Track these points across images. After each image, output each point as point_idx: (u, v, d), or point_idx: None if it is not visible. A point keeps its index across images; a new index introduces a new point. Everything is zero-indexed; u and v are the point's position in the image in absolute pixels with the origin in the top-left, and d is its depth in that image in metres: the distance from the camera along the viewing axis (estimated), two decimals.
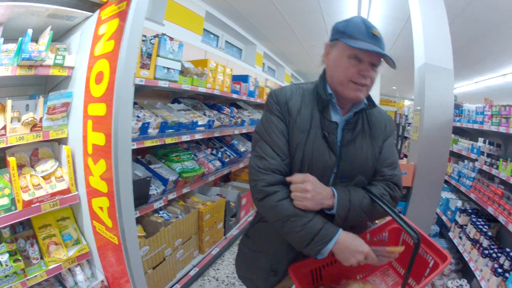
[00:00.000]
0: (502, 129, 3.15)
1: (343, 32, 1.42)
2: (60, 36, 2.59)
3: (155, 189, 2.91)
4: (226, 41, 6.58)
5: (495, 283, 2.72)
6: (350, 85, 1.44)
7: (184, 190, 3.38)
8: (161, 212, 3.40)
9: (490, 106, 3.50)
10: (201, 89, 3.41)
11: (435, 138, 3.86)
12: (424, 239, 1.57)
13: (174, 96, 4.03)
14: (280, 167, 1.46)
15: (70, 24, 2.48)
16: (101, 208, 2.28)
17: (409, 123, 7.71)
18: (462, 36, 5.01)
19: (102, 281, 2.50)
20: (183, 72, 3.26)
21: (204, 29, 5.25)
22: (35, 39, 2.20)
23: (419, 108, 3.99)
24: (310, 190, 1.35)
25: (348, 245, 1.38)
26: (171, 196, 3.13)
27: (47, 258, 2.23)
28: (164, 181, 3.00)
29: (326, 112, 1.52)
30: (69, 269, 2.40)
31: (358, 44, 1.37)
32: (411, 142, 4.38)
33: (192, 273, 3.49)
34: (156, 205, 2.91)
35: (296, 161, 1.48)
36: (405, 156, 6.84)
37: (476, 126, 3.88)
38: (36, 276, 2.14)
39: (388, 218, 1.83)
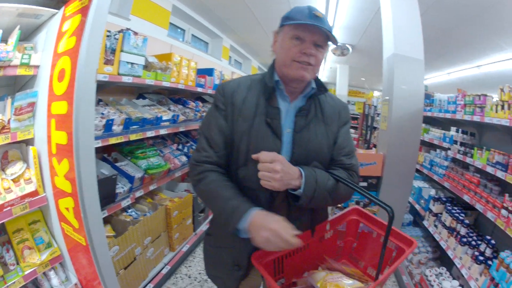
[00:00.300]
0: (476, 118, 3.16)
1: (287, 17, 1.45)
2: (29, 35, 2.50)
3: (122, 187, 2.86)
4: (193, 35, 6.46)
5: (477, 271, 2.71)
6: (294, 65, 1.45)
7: (151, 187, 3.33)
8: (129, 210, 3.33)
9: (463, 96, 3.51)
10: (165, 84, 3.35)
11: (405, 128, 3.87)
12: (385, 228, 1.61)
13: (140, 92, 3.92)
14: (212, 158, 1.51)
15: (38, 22, 2.40)
16: (67, 209, 2.22)
17: (378, 114, 7.76)
18: (435, 27, 5.05)
19: (76, 284, 2.43)
20: (147, 67, 3.19)
21: (171, 23, 5.14)
22: (5, 40, 2.15)
23: (387, 98, 3.98)
24: (279, 170, 1.33)
25: (258, 221, 1.34)
26: (138, 194, 3.08)
27: (22, 264, 2.17)
28: (130, 179, 2.96)
29: (272, 100, 1.53)
30: (44, 273, 2.33)
31: (297, 22, 1.40)
32: (380, 132, 4.39)
33: (164, 271, 3.47)
34: (124, 203, 2.85)
35: (242, 150, 1.49)
36: (375, 146, 6.94)
37: (448, 116, 3.89)
38: (14, 282, 2.08)
39: (349, 209, 1.87)
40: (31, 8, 2.18)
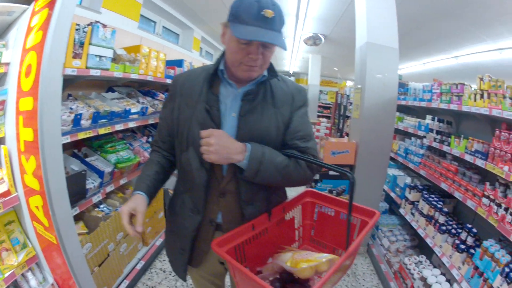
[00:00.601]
0: (453, 107, 3.14)
1: (234, 15, 1.36)
2: (2, 33, 2.41)
3: (92, 182, 2.77)
4: (163, 27, 6.28)
5: (459, 259, 2.70)
6: (241, 67, 1.44)
7: (122, 181, 3.24)
8: (101, 206, 3.24)
9: (439, 85, 3.49)
10: (134, 76, 3.23)
11: (378, 116, 3.85)
12: (345, 205, 1.61)
13: (109, 85, 3.79)
14: (158, 142, 1.72)
15: (10, 19, 2.32)
16: (37, 207, 2.18)
17: (351, 103, 7.80)
18: (412, 18, 5.00)
19: (52, 284, 2.36)
20: (115, 59, 3.09)
21: (141, 15, 4.95)
22: None
23: (359, 86, 3.95)
24: (213, 143, 1.35)
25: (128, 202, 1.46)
26: (109, 189, 3.00)
27: (1, 266, 2.10)
28: (100, 174, 2.87)
29: (215, 87, 1.56)
30: (23, 275, 2.26)
31: (241, 33, 1.32)
32: (352, 120, 4.37)
33: (138, 266, 3.43)
34: (95, 199, 2.77)
35: (184, 135, 1.54)
36: (348, 135, 6.96)
37: (423, 104, 3.88)
38: None
39: (302, 192, 1.85)
40: (4, 6, 2.12)
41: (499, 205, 2.40)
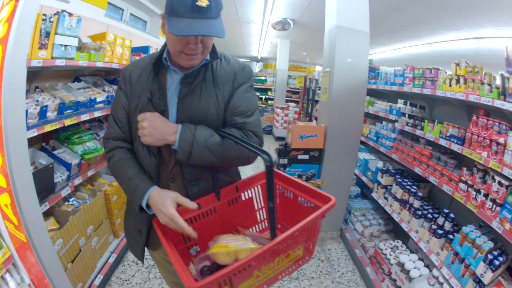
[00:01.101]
0: (426, 91, 3.08)
1: (170, 8, 1.34)
2: None
3: (60, 176, 2.72)
4: (131, 14, 5.98)
5: (437, 245, 2.66)
6: (182, 56, 1.44)
7: (90, 173, 3.15)
8: (71, 200, 3.11)
9: (411, 69, 3.43)
10: (99, 64, 3.11)
11: (347, 100, 3.79)
12: (303, 188, 1.57)
13: (76, 75, 3.64)
14: (117, 134, 1.59)
15: None
16: (6, 205, 2.12)
17: (320, 87, 7.72)
18: (385, 2, 4.87)
19: (29, 285, 2.26)
20: (80, 48, 2.97)
21: (109, 3, 4.69)
22: None
23: (328, 70, 3.86)
24: (146, 127, 1.39)
25: (156, 203, 1.40)
26: (77, 181, 2.93)
27: None
28: (68, 166, 2.80)
29: (161, 75, 1.56)
30: (2, 277, 2.16)
31: (176, 29, 1.30)
32: (320, 104, 4.29)
33: (111, 260, 3.34)
34: (64, 192, 2.70)
35: (133, 125, 1.53)
36: (316, 119, 6.90)
37: (395, 88, 3.82)
38: None
39: (261, 171, 1.73)
40: None
41: (478, 191, 2.36)
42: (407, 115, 3.66)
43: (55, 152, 2.86)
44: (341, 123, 3.88)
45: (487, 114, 2.49)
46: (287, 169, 4.21)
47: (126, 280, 3.26)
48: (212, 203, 1.60)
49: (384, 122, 4.44)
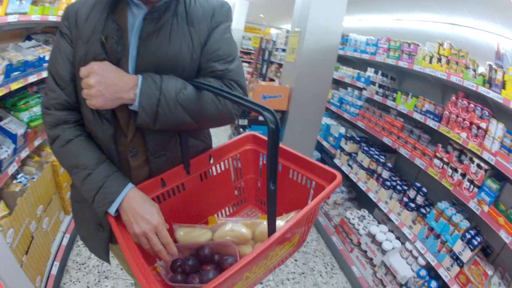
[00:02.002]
0: (402, 64, 3.14)
1: None
2: None
3: (6, 150, 2.42)
4: None
5: (410, 218, 2.81)
6: None
7: (36, 143, 2.89)
8: (19, 176, 2.83)
9: (387, 40, 3.46)
10: (52, 18, 2.83)
11: (317, 62, 3.77)
12: (299, 160, 1.37)
13: (28, 33, 3.34)
14: (60, 99, 1.22)
15: None
16: None
17: (277, 48, 7.68)
18: None
19: None
20: (36, 1, 2.70)
21: None
22: None
23: (298, 30, 3.80)
24: (93, 84, 1.05)
25: (135, 207, 1.11)
26: (24, 154, 2.66)
27: None
28: (13, 138, 2.54)
29: (119, 13, 1.19)
30: None
31: None
32: (285, 64, 4.24)
33: (64, 242, 3.09)
34: (11, 170, 2.43)
35: (79, 82, 1.16)
36: (271, 80, 6.90)
37: (365, 57, 3.86)
38: None
39: (241, 136, 1.54)
40: None
41: (455, 170, 2.49)
42: (377, 84, 3.73)
43: (1, 123, 2.56)
44: (308, 85, 3.84)
45: (467, 98, 2.59)
46: (247, 130, 4.16)
47: (83, 264, 3.09)
48: (179, 178, 1.35)
49: (349, 89, 4.51)
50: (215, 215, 1.51)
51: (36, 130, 2.86)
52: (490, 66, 2.29)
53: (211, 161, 1.46)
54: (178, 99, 1.13)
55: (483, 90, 2.28)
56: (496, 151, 2.16)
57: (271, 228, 1.01)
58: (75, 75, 1.20)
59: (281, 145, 1.37)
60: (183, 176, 1.36)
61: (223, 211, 1.56)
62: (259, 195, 1.59)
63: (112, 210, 1.12)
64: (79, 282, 2.85)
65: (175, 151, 1.33)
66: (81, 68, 1.08)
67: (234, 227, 1.21)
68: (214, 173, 1.48)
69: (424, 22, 3.64)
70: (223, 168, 1.49)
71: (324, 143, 4.68)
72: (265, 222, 1.15)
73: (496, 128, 2.19)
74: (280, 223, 1.16)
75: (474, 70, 2.44)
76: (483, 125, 2.29)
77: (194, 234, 1.24)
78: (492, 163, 2.17)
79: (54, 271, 2.74)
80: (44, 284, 2.56)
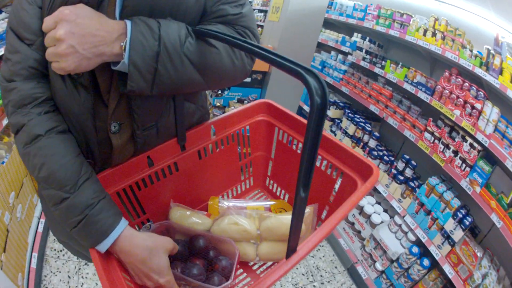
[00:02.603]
0: (393, 33, 3.09)
1: None
2: None
3: None
4: None
5: (399, 191, 2.88)
6: None
7: (4, 122, 2.65)
8: None
9: (377, 7, 3.37)
10: None
11: (302, 23, 3.70)
12: (331, 145, 1.13)
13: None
14: (27, 61, 0.92)
15: None
16: None
17: (253, 9, 7.46)
18: None
19: None
20: None
21: None
22: None
23: None
24: (63, 37, 0.75)
25: (134, 256, 0.91)
26: None
27: None
28: None
29: None
30: None
31: None
32: (267, 23, 4.13)
33: (40, 228, 2.95)
34: None
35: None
36: None
37: (352, 21, 3.77)
38: None
39: (253, 103, 1.32)
40: None
41: (446, 146, 2.53)
42: (364, 50, 3.68)
43: None
44: (292, 47, 3.76)
45: (459, 75, 2.59)
46: (225, 92, 4.06)
47: (61, 251, 3.00)
48: (171, 156, 1.13)
49: (333, 52, 4.43)
50: (218, 197, 1.33)
51: (3, 108, 2.63)
52: (488, 50, 2.29)
53: (213, 135, 1.24)
54: (185, 50, 0.88)
55: (479, 72, 2.29)
56: (490, 134, 2.20)
57: (292, 246, 0.79)
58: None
59: (300, 118, 1.21)
60: (176, 153, 1.14)
61: (225, 194, 1.40)
62: (270, 178, 1.41)
63: (100, 249, 0.91)
64: (59, 272, 2.81)
65: (167, 121, 1.10)
66: (44, 19, 0.79)
67: (237, 220, 1.09)
68: (216, 149, 1.26)
69: None
70: (227, 144, 1.28)
71: (305, 107, 4.65)
72: (272, 217, 1.08)
73: (491, 111, 2.22)
74: (286, 219, 1.05)
75: (471, 51, 2.42)
76: (477, 105, 2.31)
77: (191, 221, 1.13)
78: (486, 145, 2.21)
79: (34, 263, 2.66)
80: (26, 281, 2.50)
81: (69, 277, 2.77)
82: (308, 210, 1.10)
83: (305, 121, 1.15)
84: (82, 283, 2.74)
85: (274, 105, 1.31)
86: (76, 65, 0.78)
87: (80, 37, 0.76)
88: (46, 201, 0.94)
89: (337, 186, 1.15)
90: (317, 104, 0.58)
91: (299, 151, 1.18)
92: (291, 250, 0.79)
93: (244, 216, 1.13)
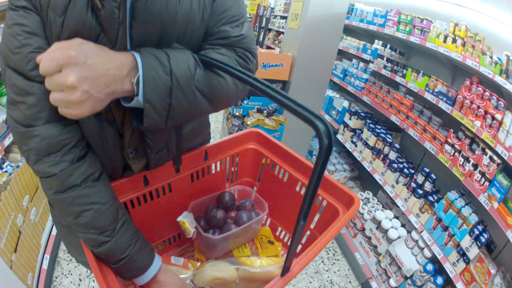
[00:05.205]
0: (414, 40, 3.13)
1: None
2: None
3: None
4: None
5: (417, 205, 2.90)
6: None
7: None
8: (4, 166, 2.80)
9: (397, 13, 3.43)
10: None
11: (323, 29, 3.74)
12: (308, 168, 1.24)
13: None
14: (45, 103, 0.85)
15: None
16: None
17: (275, 16, 7.64)
18: None
19: None
20: None
21: None
22: None
23: None
24: (75, 83, 0.72)
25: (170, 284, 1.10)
26: (8, 142, 2.60)
27: None
28: None
29: None
30: None
31: None
32: (287, 31, 4.20)
33: (54, 232, 3.08)
34: None
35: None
36: (269, 48, 6.85)
37: (372, 28, 3.82)
38: None
39: (243, 132, 1.40)
40: None
41: (466, 159, 2.55)
42: (385, 58, 3.73)
43: None
44: (312, 54, 3.81)
45: (480, 83, 2.62)
46: (245, 102, 4.16)
47: None
48: (166, 177, 1.20)
49: (354, 60, 4.49)
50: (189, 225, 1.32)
51: None
52: (508, 56, 2.30)
53: (207, 159, 1.31)
54: (196, 83, 0.91)
55: (500, 80, 2.31)
56: (510, 146, 2.22)
57: (287, 265, 0.90)
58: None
59: (287, 149, 1.30)
60: (171, 174, 1.22)
61: None
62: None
63: (141, 281, 1.05)
64: (71, 274, 2.92)
65: (173, 141, 1.16)
66: (39, 58, 0.74)
67: (218, 273, 1.18)
68: (208, 174, 1.35)
69: (429, 0, 3.61)
70: (218, 169, 1.36)
71: (327, 117, 4.70)
72: (257, 268, 1.19)
73: (511, 122, 2.24)
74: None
75: (491, 57, 2.45)
76: (498, 116, 2.33)
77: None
78: (505, 158, 2.22)
79: (45, 265, 2.78)
80: (36, 281, 2.62)
81: (80, 280, 2.89)
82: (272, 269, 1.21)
83: (290, 151, 1.30)
84: (93, 287, 2.85)
85: (264, 134, 1.41)
86: (91, 110, 0.78)
87: (93, 81, 0.75)
88: (84, 242, 0.98)
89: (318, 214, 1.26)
90: (325, 145, 0.66)
91: (285, 180, 1.29)
92: (285, 269, 0.91)
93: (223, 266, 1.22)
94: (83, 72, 0.72)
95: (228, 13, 1.03)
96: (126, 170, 1.14)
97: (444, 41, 2.78)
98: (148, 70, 0.82)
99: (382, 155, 3.48)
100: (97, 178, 0.97)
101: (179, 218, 1.19)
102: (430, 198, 2.84)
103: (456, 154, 2.66)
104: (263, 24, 7.11)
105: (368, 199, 3.67)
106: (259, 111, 4.03)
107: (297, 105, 0.70)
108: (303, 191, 1.26)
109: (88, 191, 0.94)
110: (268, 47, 6.88)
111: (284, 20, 7.07)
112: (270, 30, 7.81)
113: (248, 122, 3.56)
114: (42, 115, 0.86)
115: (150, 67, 0.82)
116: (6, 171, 2.68)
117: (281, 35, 7.20)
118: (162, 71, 0.84)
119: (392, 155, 3.36)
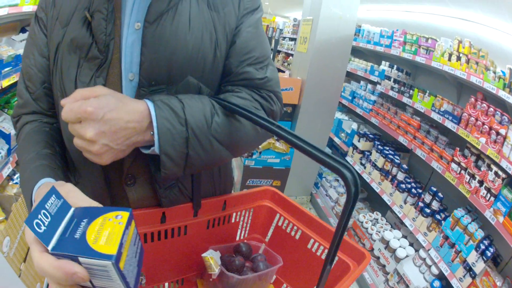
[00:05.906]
0: (420, 59, 3.22)
1: None
2: None
3: None
4: None
5: (425, 224, 2.93)
6: None
7: None
8: (15, 177, 2.91)
9: (403, 33, 3.53)
10: None
11: (330, 52, 3.83)
12: (326, 231, 1.22)
13: (22, 26, 3.46)
14: (28, 107, 1.02)
15: None
16: None
17: (284, 37, 7.79)
18: None
19: None
20: None
21: None
22: None
23: (310, 18, 3.86)
24: (94, 138, 0.74)
25: None
26: None
27: None
28: (7, 138, 2.59)
29: None
30: None
31: None
32: (296, 54, 4.31)
33: None
34: (6, 172, 2.49)
35: (57, 74, 0.96)
36: (278, 70, 7.01)
37: (379, 49, 3.93)
38: None
39: (259, 189, 1.39)
40: None
41: (472, 176, 2.60)
42: (392, 79, 3.82)
43: None
44: (321, 78, 3.94)
45: (486, 100, 2.68)
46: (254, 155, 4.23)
47: None
48: (183, 218, 1.18)
49: (362, 82, 4.59)
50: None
51: None
52: (510, 69, 2.38)
53: (224, 208, 1.29)
54: (213, 132, 0.91)
55: (503, 95, 2.37)
56: None
57: None
58: (50, 74, 0.99)
59: (302, 208, 1.31)
60: (189, 217, 1.20)
61: None
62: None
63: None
64: None
65: (189, 181, 1.12)
66: (63, 103, 0.76)
67: None
68: (223, 224, 1.34)
69: (434, 16, 3.72)
70: (233, 221, 1.36)
71: (336, 139, 4.77)
72: None
73: None
74: None
75: (494, 72, 2.52)
76: (502, 131, 2.39)
77: None
78: (510, 172, 2.26)
79: None
80: None
81: None
82: None
83: (302, 209, 1.29)
84: None
85: (279, 193, 1.41)
86: (112, 159, 0.80)
87: (112, 135, 0.76)
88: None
89: None
90: (353, 192, 0.68)
91: (297, 237, 1.30)
92: None
93: None
94: (101, 127, 0.74)
95: (252, 54, 1.03)
96: (117, 198, 1.07)
97: (449, 59, 2.87)
98: (162, 122, 0.82)
99: (390, 176, 3.53)
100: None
101: (205, 254, 1.18)
102: (438, 216, 2.87)
103: (462, 172, 2.70)
104: (272, 46, 7.31)
105: (377, 219, 3.70)
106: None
107: (324, 155, 0.72)
108: (314, 248, 1.26)
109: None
110: (278, 70, 7.07)
111: (293, 42, 7.22)
112: (279, 52, 7.97)
113: (259, 146, 3.64)
114: (23, 113, 1.04)
115: (164, 119, 0.83)
116: (17, 183, 2.82)
117: (290, 57, 7.35)
118: (177, 121, 0.84)
119: (400, 176, 3.41)
